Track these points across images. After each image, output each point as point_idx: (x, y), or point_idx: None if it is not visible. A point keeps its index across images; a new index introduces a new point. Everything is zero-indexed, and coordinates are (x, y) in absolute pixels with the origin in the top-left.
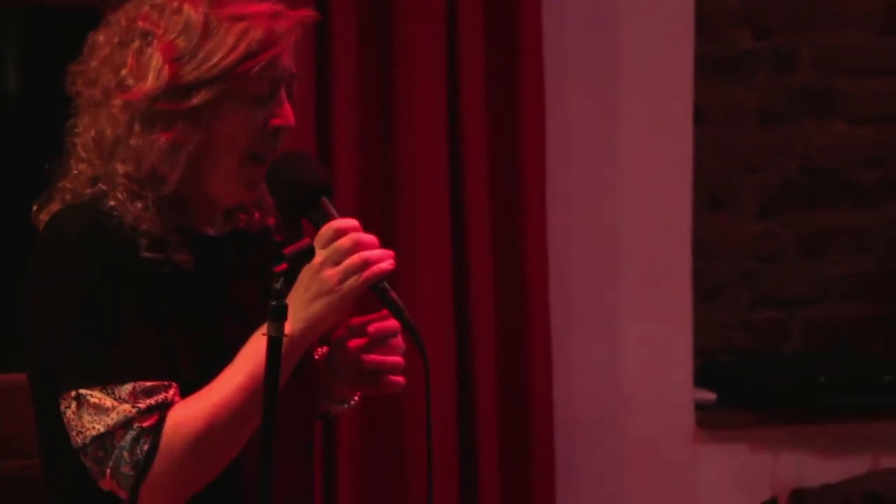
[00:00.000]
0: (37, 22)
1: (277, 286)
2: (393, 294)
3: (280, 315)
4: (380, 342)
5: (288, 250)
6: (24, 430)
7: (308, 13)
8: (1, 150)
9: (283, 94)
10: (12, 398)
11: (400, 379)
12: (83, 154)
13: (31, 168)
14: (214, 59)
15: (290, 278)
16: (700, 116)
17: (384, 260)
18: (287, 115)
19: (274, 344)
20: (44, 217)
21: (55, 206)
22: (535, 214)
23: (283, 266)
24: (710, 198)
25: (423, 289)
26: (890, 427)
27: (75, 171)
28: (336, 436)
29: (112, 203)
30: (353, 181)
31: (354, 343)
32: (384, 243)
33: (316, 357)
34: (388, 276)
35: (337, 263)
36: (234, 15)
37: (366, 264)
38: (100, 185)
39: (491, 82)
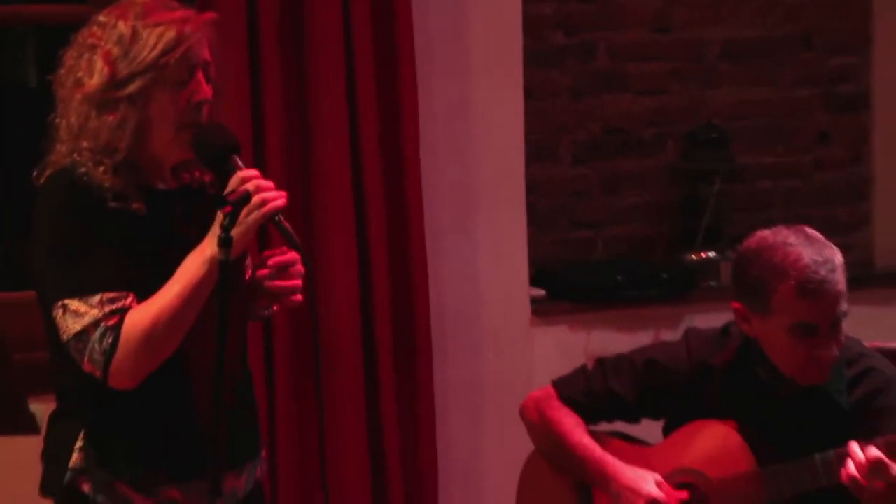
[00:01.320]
0: (48, 32)
1: (225, 223)
2: (286, 224)
3: (227, 244)
4: (281, 270)
5: (231, 197)
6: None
7: (210, 15)
8: (25, 133)
9: (200, 76)
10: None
11: (297, 297)
12: (63, 136)
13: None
14: (141, 57)
15: (234, 217)
16: (528, 93)
17: (279, 198)
18: (204, 91)
19: (223, 265)
20: (39, 180)
21: (47, 172)
22: (412, 168)
23: (228, 208)
24: (537, 151)
25: (333, 229)
26: (665, 311)
27: (57, 148)
28: (273, 336)
29: (83, 169)
30: (280, 163)
31: (262, 271)
32: (304, 197)
33: (246, 278)
34: (283, 210)
35: None
36: (154, 22)
37: (264, 202)
38: (74, 156)
39: (378, 80)
